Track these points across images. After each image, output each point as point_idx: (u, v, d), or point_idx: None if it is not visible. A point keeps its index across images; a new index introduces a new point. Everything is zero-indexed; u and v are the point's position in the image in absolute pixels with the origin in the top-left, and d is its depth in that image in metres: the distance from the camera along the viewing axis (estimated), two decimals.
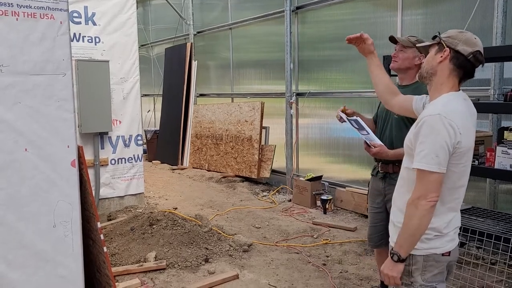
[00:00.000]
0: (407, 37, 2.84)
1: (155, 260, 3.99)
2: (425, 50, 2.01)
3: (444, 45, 1.86)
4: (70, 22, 5.03)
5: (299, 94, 6.79)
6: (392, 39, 2.84)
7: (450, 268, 2.00)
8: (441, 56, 1.85)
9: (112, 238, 4.48)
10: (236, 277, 3.81)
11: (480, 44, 1.85)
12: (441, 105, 1.81)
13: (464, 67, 1.85)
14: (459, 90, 1.90)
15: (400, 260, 1.84)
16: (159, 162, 9.54)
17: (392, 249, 1.88)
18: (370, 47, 2.32)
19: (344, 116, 2.81)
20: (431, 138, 1.75)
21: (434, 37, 1.93)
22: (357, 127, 2.77)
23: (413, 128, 1.89)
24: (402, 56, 2.82)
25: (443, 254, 1.87)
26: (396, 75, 3.12)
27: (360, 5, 5.79)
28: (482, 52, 1.85)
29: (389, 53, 3.21)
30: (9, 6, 2.24)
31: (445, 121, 1.73)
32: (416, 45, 2.17)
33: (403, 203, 1.93)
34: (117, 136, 5.64)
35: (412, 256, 1.88)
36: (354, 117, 2.84)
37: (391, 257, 1.87)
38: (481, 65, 1.86)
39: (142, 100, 7.28)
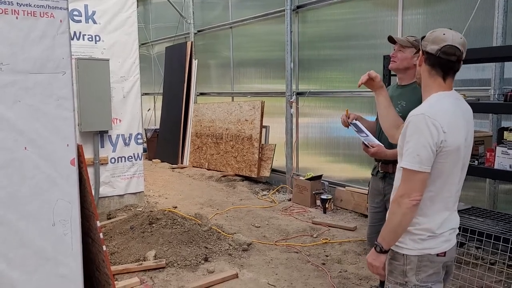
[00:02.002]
0: (406, 37, 2.84)
1: (155, 259, 4.00)
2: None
3: (420, 48, 1.93)
4: (71, 21, 5.04)
5: (299, 93, 6.79)
6: (391, 39, 2.84)
7: (448, 268, 2.00)
8: (419, 61, 1.93)
9: (111, 237, 4.49)
10: (236, 276, 3.81)
11: (449, 37, 1.83)
12: (427, 105, 1.84)
13: (439, 64, 1.86)
14: (452, 89, 1.90)
15: (382, 251, 1.91)
16: (159, 161, 9.55)
17: (377, 240, 1.94)
18: (379, 83, 2.32)
19: (347, 120, 2.85)
20: (415, 138, 1.78)
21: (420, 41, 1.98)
22: (356, 129, 2.81)
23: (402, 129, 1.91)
24: (401, 56, 2.82)
25: (438, 255, 1.87)
26: (395, 75, 3.12)
27: (360, 4, 5.78)
28: (455, 44, 1.82)
29: (390, 53, 3.20)
30: (9, 4, 2.23)
31: (428, 121, 1.75)
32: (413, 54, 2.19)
33: None
34: (117, 134, 5.65)
35: (406, 256, 1.88)
36: (354, 121, 2.86)
37: (375, 248, 1.94)
38: (455, 57, 1.83)
39: (142, 99, 7.28)
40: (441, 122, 1.76)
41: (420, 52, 1.93)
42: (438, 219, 1.87)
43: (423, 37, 1.94)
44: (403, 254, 1.89)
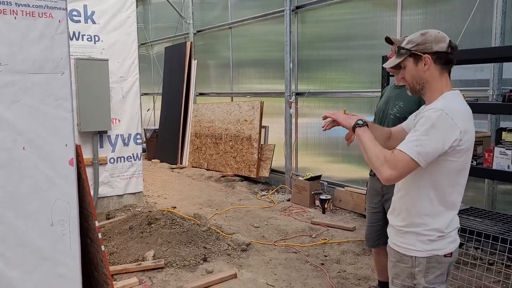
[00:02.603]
0: (403, 38, 2.84)
1: (153, 259, 4.00)
2: (397, 67, 1.98)
3: (420, 53, 1.84)
4: (70, 21, 5.05)
5: (298, 94, 6.80)
6: (388, 40, 2.84)
7: (449, 268, 2.00)
8: (425, 65, 1.84)
9: (110, 237, 4.49)
10: (234, 276, 3.81)
11: (445, 34, 1.87)
12: (444, 102, 1.80)
13: (449, 60, 1.86)
14: (456, 90, 1.90)
15: (353, 128, 1.91)
16: (159, 161, 9.55)
17: (364, 123, 1.89)
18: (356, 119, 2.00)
19: None
20: (425, 129, 1.72)
21: (399, 51, 1.91)
22: None
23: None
24: None
25: (445, 255, 1.87)
26: (393, 76, 3.13)
27: (359, 4, 5.79)
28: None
29: (388, 54, 3.21)
30: (8, 4, 2.23)
31: (447, 118, 1.72)
32: (386, 67, 2.10)
33: (401, 206, 1.93)
34: (116, 135, 5.65)
35: (415, 258, 1.87)
36: None
37: (358, 123, 1.90)
38: (456, 50, 1.88)
39: (141, 99, 7.28)
40: (458, 121, 1.73)
41: (425, 56, 1.83)
42: (446, 219, 1.86)
43: (402, 47, 1.89)
44: (411, 256, 1.88)
